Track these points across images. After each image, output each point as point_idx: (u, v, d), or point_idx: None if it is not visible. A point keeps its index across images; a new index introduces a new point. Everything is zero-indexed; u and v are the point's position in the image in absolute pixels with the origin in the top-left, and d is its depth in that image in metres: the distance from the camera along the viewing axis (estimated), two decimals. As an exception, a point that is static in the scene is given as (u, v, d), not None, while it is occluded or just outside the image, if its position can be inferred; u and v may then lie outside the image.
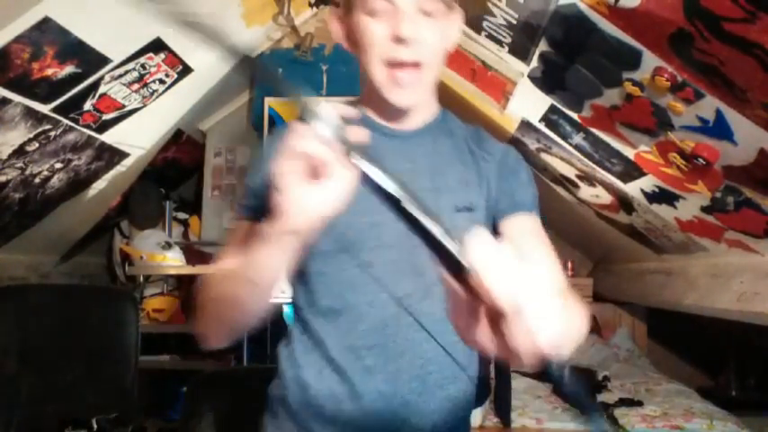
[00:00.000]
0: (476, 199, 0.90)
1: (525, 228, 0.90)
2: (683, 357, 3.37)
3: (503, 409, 2.11)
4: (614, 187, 2.18)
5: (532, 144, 2.44)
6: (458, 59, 2.24)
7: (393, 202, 0.53)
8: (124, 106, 2.19)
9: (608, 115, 1.76)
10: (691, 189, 1.75)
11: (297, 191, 0.62)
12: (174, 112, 2.60)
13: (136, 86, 2.14)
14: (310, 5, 2.75)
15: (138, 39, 1.94)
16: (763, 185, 1.47)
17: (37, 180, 2.16)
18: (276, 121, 2.76)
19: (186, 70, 2.28)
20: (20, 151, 1.94)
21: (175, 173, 3.37)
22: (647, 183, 1.96)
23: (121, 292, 2.64)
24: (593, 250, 3.53)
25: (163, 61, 2.13)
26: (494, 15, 1.81)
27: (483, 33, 1.96)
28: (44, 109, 1.85)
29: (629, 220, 2.42)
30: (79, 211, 2.59)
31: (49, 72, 1.73)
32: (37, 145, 1.98)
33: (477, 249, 0.48)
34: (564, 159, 2.33)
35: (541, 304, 0.47)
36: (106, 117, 2.16)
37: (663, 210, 2.05)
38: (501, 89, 2.25)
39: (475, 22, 1.92)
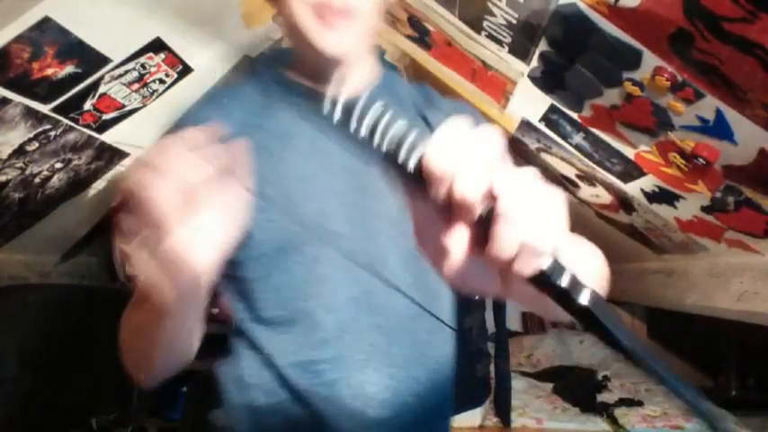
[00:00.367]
0: None
1: None
2: (683, 357, 3.37)
3: (503, 409, 2.11)
4: (614, 187, 2.18)
5: (532, 144, 2.44)
6: (458, 59, 2.24)
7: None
8: (124, 106, 2.19)
9: (608, 115, 1.76)
10: (691, 189, 1.75)
11: (184, 224, 0.46)
12: (174, 112, 2.60)
13: (136, 86, 2.14)
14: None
15: (138, 39, 1.94)
16: (763, 185, 1.47)
17: (37, 180, 2.16)
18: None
19: (186, 70, 2.28)
20: (20, 151, 1.95)
21: (175, 173, 3.36)
22: (647, 182, 1.96)
23: (121, 291, 2.64)
24: (593, 250, 3.52)
25: (163, 61, 2.13)
26: (494, 15, 1.81)
27: (483, 33, 1.96)
28: (44, 109, 1.85)
29: (629, 220, 2.42)
30: (79, 211, 2.59)
31: (49, 72, 1.73)
32: (37, 145, 1.98)
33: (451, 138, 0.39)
34: (564, 159, 2.33)
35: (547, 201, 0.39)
36: (106, 117, 2.16)
37: (663, 209, 2.05)
38: (501, 89, 2.25)
39: (475, 22, 1.92)
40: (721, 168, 1.53)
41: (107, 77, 1.97)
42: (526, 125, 2.33)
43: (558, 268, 0.40)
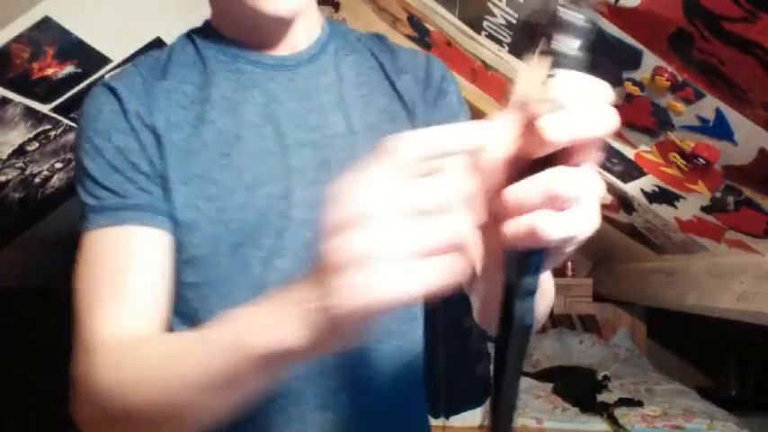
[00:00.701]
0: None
1: None
2: (682, 357, 3.38)
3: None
4: (614, 187, 2.18)
5: (532, 144, 2.44)
6: (458, 59, 2.24)
7: None
8: (124, 106, 2.19)
9: (608, 115, 1.76)
10: (691, 189, 1.75)
11: (395, 252, 0.32)
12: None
13: (136, 86, 2.14)
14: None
15: (138, 39, 1.94)
16: (763, 185, 1.47)
17: (37, 180, 2.16)
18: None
19: (186, 70, 2.28)
20: (20, 151, 1.95)
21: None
22: (648, 182, 1.96)
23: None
24: (593, 250, 3.53)
25: (163, 61, 2.13)
26: (494, 15, 1.81)
27: (483, 33, 1.96)
28: (44, 109, 1.85)
29: (630, 220, 2.42)
30: (79, 211, 2.59)
31: (49, 72, 1.73)
32: (37, 145, 1.98)
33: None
34: (564, 159, 2.33)
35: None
36: (106, 117, 2.16)
37: (663, 209, 2.05)
38: (501, 89, 2.25)
39: (475, 22, 1.92)
40: (721, 168, 1.53)
41: (107, 77, 1.97)
42: (526, 125, 2.33)
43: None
